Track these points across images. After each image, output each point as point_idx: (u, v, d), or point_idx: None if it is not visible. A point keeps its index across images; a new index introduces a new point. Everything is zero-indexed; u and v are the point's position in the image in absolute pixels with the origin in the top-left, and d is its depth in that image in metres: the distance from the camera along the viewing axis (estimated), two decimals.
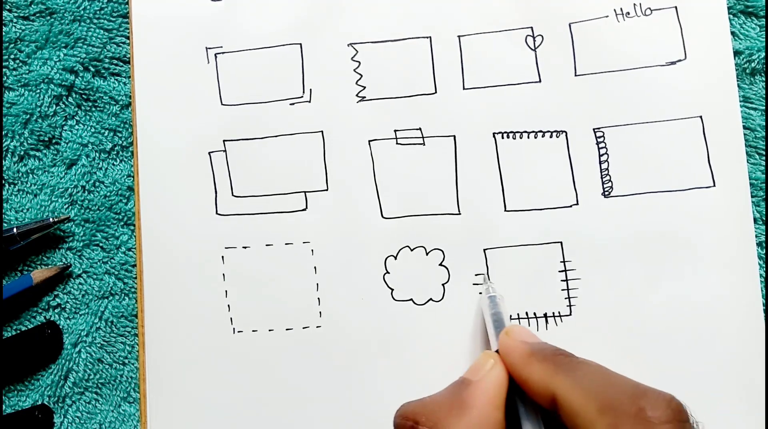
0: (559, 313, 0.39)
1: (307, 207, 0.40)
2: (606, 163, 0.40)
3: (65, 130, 0.42)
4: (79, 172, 0.41)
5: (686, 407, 0.26)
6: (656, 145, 0.40)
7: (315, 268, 0.40)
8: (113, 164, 0.41)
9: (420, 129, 0.40)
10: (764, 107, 0.40)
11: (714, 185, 0.39)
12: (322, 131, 0.41)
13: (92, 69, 0.42)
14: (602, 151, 0.40)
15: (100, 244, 0.41)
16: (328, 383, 0.39)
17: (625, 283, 0.39)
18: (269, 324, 0.39)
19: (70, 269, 0.41)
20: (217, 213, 0.40)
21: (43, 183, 0.41)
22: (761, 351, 0.38)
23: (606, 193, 0.40)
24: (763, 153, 0.40)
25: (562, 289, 0.39)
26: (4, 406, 0.40)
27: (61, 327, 0.40)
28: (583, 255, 0.39)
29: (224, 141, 0.41)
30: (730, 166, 0.39)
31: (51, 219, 0.40)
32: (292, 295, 0.40)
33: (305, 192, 0.40)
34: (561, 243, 0.39)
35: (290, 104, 0.41)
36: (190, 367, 0.39)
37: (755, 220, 0.39)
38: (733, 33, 0.40)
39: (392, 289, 0.40)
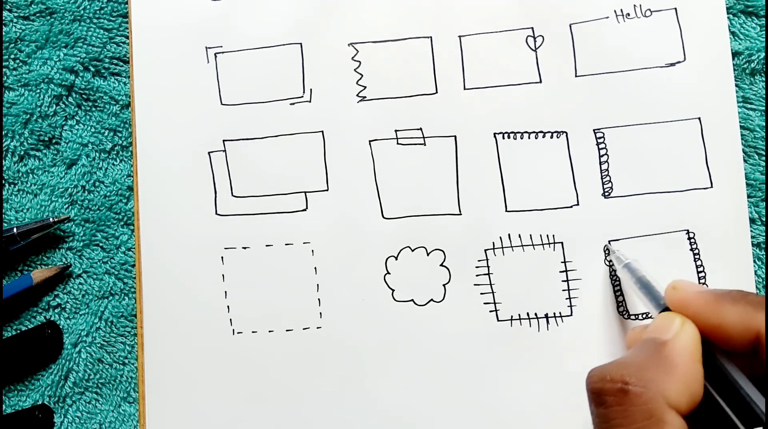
0: (560, 313, 0.39)
1: (307, 207, 0.40)
2: (606, 163, 0.40)
3: (65, 130, 0.42)
4: (79, 171, 0.41)
5: None
6: (655, 146, 0.40)
7: (315, 268, 0.40)
8: (113, 164, 0.41)
9: (421, 129, 0.40)
10: (764, 108, 0.40)
11: (711, 186, 0.39)
12: (322, 131, 0.41)
13: (92, 69, 0.42)
14: (602, 151, 0.40)
15: (100, 244, 0.41)
16: (329, 384, 0.39)
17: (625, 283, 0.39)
18: (269, 325, 0.39)
19: (70, 269, 0.41)
20: (216, 213, 0.40)
21: (43, 183, 0.41)
22: None
23: (606, 193, 0.40)
24: (763, 153, 0.40)
25: (563, 290, 0.39)
26: (4, 406, 0.40)
27: (61, 327, 0.40)
28: (583, 255, 0.39)
29: (224, 141, 0.41)
30: (727, 167, 0.39)
31: (51, 219, 0.40)
32: (292, 296, 0.40)
33: (305, 192, 0.40)
34: (562, 243, 0.39)
35: (290, 104, 0.41)
36: (189, 368, 0.39)
37: (754, 221, 0.39)
38: (733, 33, 0.40)
39: (393, 290, 0.40)
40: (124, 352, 0.40)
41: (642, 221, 0.39)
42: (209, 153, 0.41)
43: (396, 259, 0.40)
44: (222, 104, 0.41)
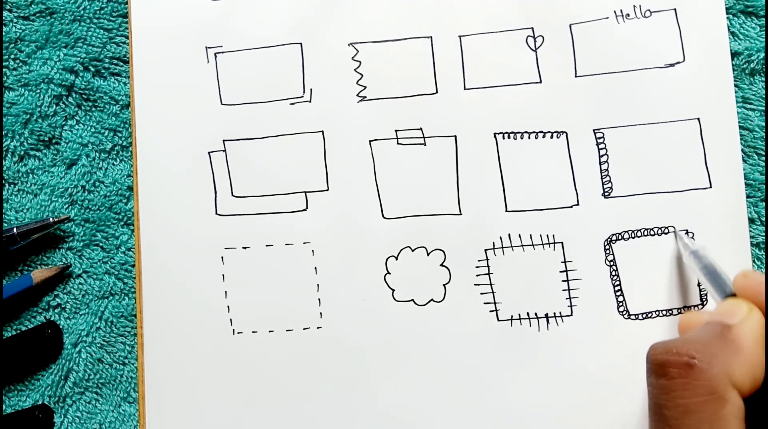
0: (560, 313, 0.39)
1: (307, 207, 0.40)
2: (606, 163, 0.40)
3: (65, 130, 0.42)
4: (79, 171, 0.41)
5: None
6: (655, 146, 0.40)
7: (315, 268, 0.40)
8: (113, 164, 0.41)
9: (421, 129, 0.40)
10: (763, 108, 0.40)
11: (711, 187, 0.39)
12: (322, 131, 0.41)
13: (92, 69, 0.42)
14: (602, 151, 0.40)
15: (100, 244, 0.41)
16: (329, 384, 0.39)
17: (625, 283, 0.39)
18: (269, 325, 0.39)
19: (70, 269, 0.41)
20: (216, 213, 0.40)
21: (43, 183, 0.41)
22: None
23: (606, 193, 0.40)
24: (762, 153, 0.40)
25: (563, 290, 0.39)
26: (4, 406, 0.40)
27: (61, 327, 0.40)
28: (583, 255, 0.39)
29: (224, 141, 0.41)
30: (726, 167, 0.39)
31: (51, 219, 0.40)
32: (292, 296, 0.40)
33: (306, 192, 0.40)
34: (562, 243, 0.39)
35: (290, 104, 0.41)
36: (189, 368, 0.39)
37: (753, 221, 0.39)
38: (732, 33, 0.40)
39: (393, 290, 0.40)
40: (124, 352, 0.40)
41: (641, 221, 0.39)
42: (209, 153, 0.41)
43: (396, 259, 0.40)
44: (222, 104, 0.41)
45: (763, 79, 0.40)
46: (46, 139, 0.42)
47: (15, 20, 0.42)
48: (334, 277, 0.40)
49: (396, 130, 0.40)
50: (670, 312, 0.39)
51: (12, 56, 0.42)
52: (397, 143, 0.40)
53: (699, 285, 0.39)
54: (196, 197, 0.40)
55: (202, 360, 0.39)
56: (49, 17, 0.42)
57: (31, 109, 0.42)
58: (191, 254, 0.40)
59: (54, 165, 0.41)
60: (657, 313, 0.39)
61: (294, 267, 0.40)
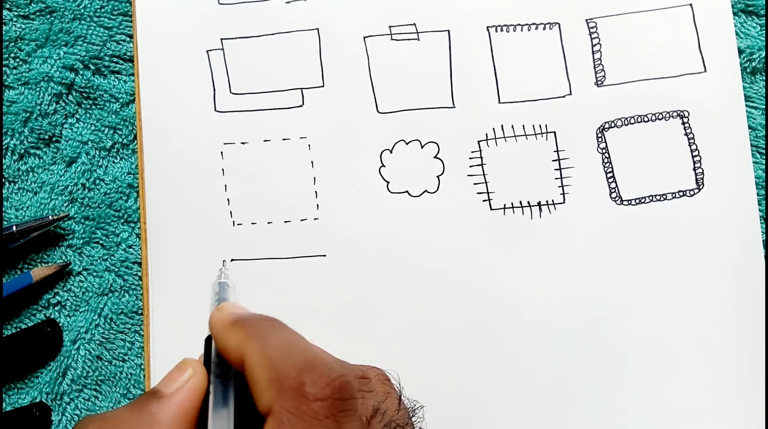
0: (552, 201, 0.40)
1: (303, 103, 0.41)
2: (599, 52, 0.40)
3: (65, 128, 0.42)
4: (79, 169, 0.41)
5: (353, 385, 0.25)
6: (648, 33, 0.40)
7: (312, 162, 0.40)
8: (113, 162, 0.41)
9: (414, 24, 0.41)
10: (765, 106, 0.40)
11: (705, 71, 0.40)
12: (317, 29, 0.41)
13: (92, 67, 0.42)
14: (595, 41, 0.40)
15: (100, 242, 0.41)
16: (326, 275, 0.39)
17: (617, 169, 0.40)
18: (268, 217, 0.39)
19: (70, 267, 0.41)
20: (215, 110, 0.40)
21: (43, 181, 0.41)
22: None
23: (599, 82, 0.40)
24: (764, 152, 0.40)
25: (555, 178, 0.40)
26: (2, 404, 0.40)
27: (60, 324, 0.40)
28: (576, 144, 0.40)
29: (222, 39, 0.41)
30: (720, 50, 0.40)
31: (51, 217, 0.40)
32: (290, 189, 0.40)
33: (302, 89, 0.41)
34: (555, 133, 0.40)
35: (286, 2, 0.41)
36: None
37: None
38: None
39: (388, 182, 0.40)
40: (124, 348, 0.40)
41: (635, 108, 0.40)
42: (208, 51, 0.41)
43: (391, 152, 0.40)
44: (220, 4, 0.41)
45: (764, 77, 0.40)
46: (46, 137, 0.42)
47: (15, 19, 0.42)
48: (330, 170, 0.40)
49: (390, 26, 0.41)
50: (664, 197, 0.39)
51: (12, 55, 0.42)
52: (391, 39, 0.41)
53: (694, 169, 0.39)
54: (196, 95, 0.41)
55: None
56: (49, 16, 0.42)
57: (31, 108, 0.42)
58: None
59: (54, 163, 0.41)
60: (650, 198, 0.39)
61: (291, 161, 0.40)
